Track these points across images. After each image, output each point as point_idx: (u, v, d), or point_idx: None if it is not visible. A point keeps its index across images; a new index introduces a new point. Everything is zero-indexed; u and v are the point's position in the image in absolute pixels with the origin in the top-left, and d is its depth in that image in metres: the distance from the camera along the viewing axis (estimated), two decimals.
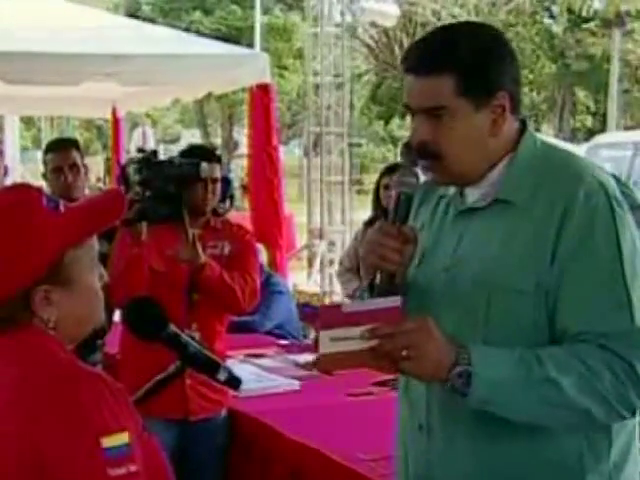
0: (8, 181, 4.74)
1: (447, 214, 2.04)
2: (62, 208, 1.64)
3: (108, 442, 1.48)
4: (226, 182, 3.92)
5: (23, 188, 1.70)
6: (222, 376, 2.05)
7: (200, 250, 3.57)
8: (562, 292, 1.84)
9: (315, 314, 6.04)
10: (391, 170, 5.31)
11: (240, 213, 7.80)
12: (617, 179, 1.95)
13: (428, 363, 1.79)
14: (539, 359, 1.80)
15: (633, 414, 1.85)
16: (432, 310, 1.91)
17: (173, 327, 2.02)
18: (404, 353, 1.77)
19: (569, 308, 1.84)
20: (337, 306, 1.95)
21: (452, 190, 2.04)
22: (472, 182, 1.98)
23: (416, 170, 2.01)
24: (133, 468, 1.49)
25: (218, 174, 3.74)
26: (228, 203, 6.74)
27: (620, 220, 1.86)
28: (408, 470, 2.05)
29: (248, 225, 6.82)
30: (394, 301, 1.85)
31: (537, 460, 1.89)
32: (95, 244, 1.69)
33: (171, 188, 3.55)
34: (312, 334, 5.92)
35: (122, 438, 1.49)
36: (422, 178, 2.06)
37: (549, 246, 1.85)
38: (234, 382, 2.08)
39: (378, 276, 1.95)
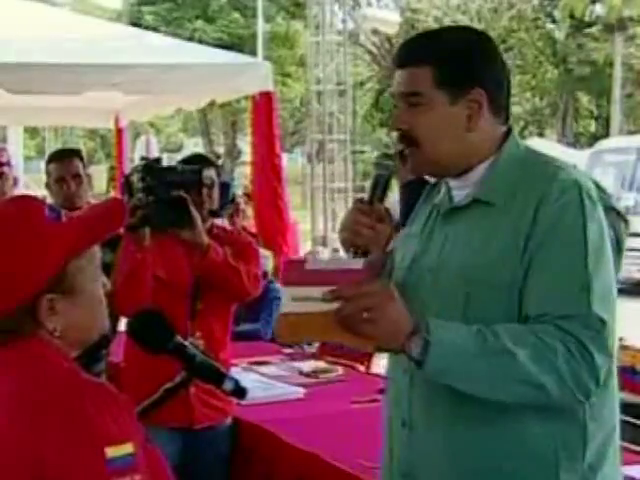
0: (17, 192, 4.76)
1: (437, 218, 2.10)
2: (64, 218, 1.65)
3: (112, 452, 1.48)
4: (225, 187, 3.93)
5: (25, 199, 1.71)
6: (228, 386, 2.05)
7: (204, 233, 3.59)
8: (528, 280, 1.89)
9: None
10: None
11: (247, 220, 7.79)
12: (596, 184, 2.00)
13: (387, 326, 1.80)
14: (495, 332, 1.83)
15: (587, 398, 1.85)
16: (418, 310, 1.93)
17: (179, 338, 2.02)
18: (365, 315, 1.79)
19: (532, 295, 1.88)
20: (302, 262, 1.97)
21: (441, 195, 2.10)
22: (449, 174, 2.05)
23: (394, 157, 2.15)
24: (137, 478, 1.49)
25: (214, 177, 3.77)
26: (232, 207, 6.75)
27: (589, 212, 1.90)
28: (392, 465, 2.09)
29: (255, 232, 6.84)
30: (357, 263, 1.89)
31: (512, 456, 1.91)
32: (98, 253, 1.70)
33: (174, 194, 3.56)
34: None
35: (126, 448, 1.49)
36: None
37: (522, 240, 1.90)
38: (240, 392, 2.08)
39: (352, 252, 2.04)
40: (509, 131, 2.05)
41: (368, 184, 2.08)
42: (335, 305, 1.79)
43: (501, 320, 1.88)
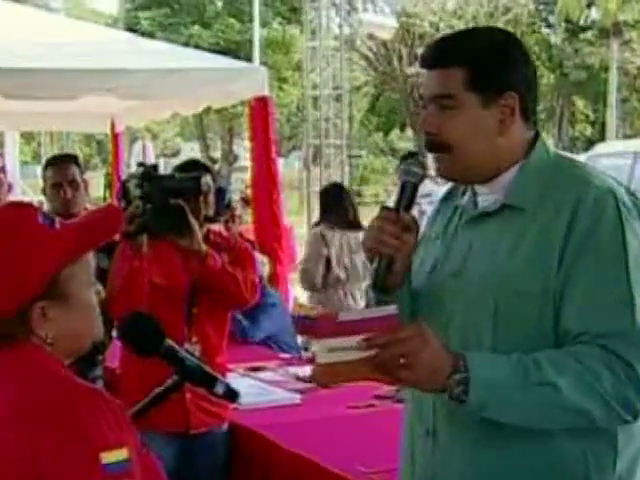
0: (11, 198, 4.75)
1: (460, 222, 2.05)
2: (58, 225, 1.65)
3: (108, 458, 1.48)
4: (221, 192, 3.92)
5: (18, 206, 1.71)
6: (219, 389, 2.05)
7: (202, 240, 3.59)
8: (566, 293, 1.84)
9: (312, 325, 6.08)
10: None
11: (243, 226, 7.78)
12: (627, 189, 1.94)
13: (425, 371, 1.77)
14: (536, 362, 1.80)
15: (635, 417, 1.82)
16: (442, 316, 1.93)
17: (169, 342, 2.01)
18: (401, 361, 1.76)
19: (571, 308, 1.84)
20: (333, 316, 1.95)
21: (466, 199, 2.06)
22: (478, 180, 2.00)
23: (424, 162, 2.05)
24: None
25: (209, 182, 3.77)
26: (228, 213, 6.75)
27: (627, 223, 1.86)
28: (414, 469, 2.05)
29: (251, 237, 6.83)
30: (390, 309, 1.85)
31: (540, 469, 1.88)
32: (91, 260, 1.70)
33: (171, 201, 3.55)
34: (313, 346, 5.91)
35: (121, 453, 1.49)
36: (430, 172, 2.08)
37: (556, 250, 1.85)
38: (231, 395, 2.08)
39: (376, 261, 1.98)
40: (537, 135, 2.01)
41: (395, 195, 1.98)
42: (371, 352, 1.77)
43: (532, 331, 1.85)
